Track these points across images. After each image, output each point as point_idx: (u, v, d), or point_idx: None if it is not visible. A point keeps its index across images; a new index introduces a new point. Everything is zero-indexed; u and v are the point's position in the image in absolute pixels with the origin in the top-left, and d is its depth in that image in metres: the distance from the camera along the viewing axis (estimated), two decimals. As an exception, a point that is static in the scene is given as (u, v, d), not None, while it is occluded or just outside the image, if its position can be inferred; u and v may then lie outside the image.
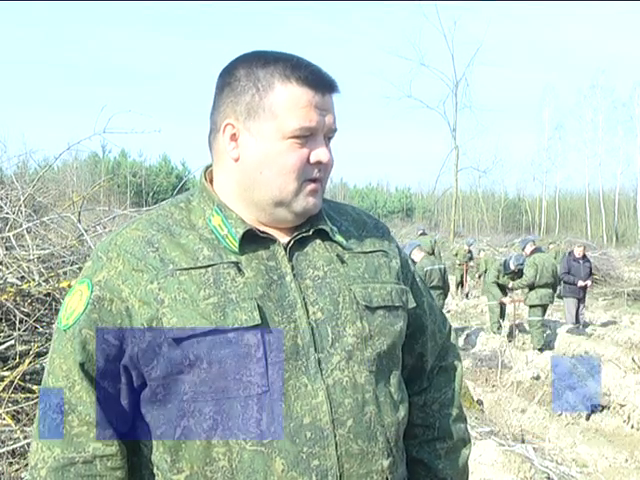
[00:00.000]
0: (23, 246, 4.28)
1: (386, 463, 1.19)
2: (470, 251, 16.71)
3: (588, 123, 45.94)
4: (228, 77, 1.21)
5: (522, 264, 10.51)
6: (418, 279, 1.41)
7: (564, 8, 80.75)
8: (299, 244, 1.23)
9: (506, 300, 10.86)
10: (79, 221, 4.34)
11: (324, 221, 1.26)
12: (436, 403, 1.39)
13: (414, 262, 9.21)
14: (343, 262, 1.24)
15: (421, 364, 1.39)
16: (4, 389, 3.21)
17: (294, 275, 1.19)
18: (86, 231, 4.24)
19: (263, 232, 1.21)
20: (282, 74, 1.17)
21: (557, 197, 49.58)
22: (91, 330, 1.16)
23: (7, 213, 4.44)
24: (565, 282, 11.05)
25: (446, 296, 10.16)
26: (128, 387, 1.18)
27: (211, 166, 1.28)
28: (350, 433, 1.14)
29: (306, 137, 1.18)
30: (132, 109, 4.19)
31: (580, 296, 10.99)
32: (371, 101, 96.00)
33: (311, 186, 1.20)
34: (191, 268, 1.16)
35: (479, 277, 15.74)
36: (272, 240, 1.21)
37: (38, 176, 5.15)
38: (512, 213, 51.17)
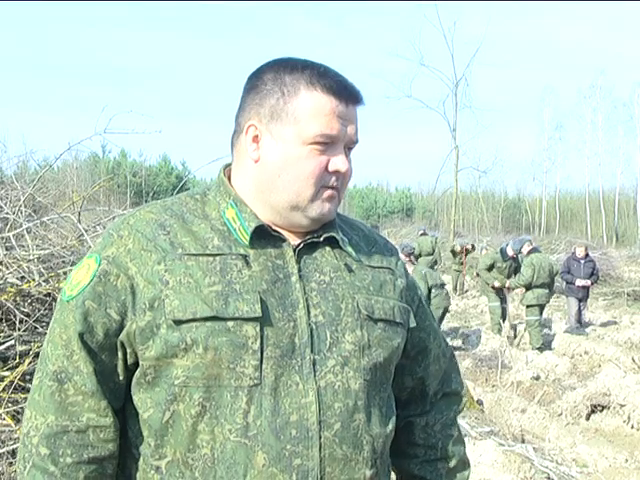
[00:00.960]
0: (23, 246, 4.28)
1: (369, 473, 1.19)
2: (469, 248, 16.61)
3: (588, 123, 45.98)
4: (255, 80, 1.24)
5: (520, 250, 10.55)
6: (424, 302, 1.43)
7: (564, 8, 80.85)
8: (309, 248, 1.24)
9: (496, 283, 10.82)
10: (79, 221, 4.34)
11: (336, 230, 1.27)
12: (438, 424, 1.40)
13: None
14: (350, 271, 1.26)
15: (423, 387, 1.40)
16: (4, 389, 3.21)
17: (300, 276, 1.21)
18: (86, 231, 4.23)
19: (275, 231, 1.23)
20: (308, 81, 1.20)
21: (557, 197, 49.58)
22: (94, 302, 1.17)
23: (7, 213, 4.44)
24: (565, 281, 11.05)
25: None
26: (124, 363, 1.19)
27: (229, 165, 1.30)
28: (336, 437, 1.15)
29: (326, 145, 1.20)
30: (133, 109, 4.19)
31: (580, 296, 10.94)
32: (371, 101, 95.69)
33: (328, 192, 1.22)
34: (199, 254, 1.18)
35: (477, 275, 15.73)
36: (283, 240, 1.23)
37: (38, 176, 5.14)
38: (512, 213, 51.16)
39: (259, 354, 1.14)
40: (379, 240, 1.39)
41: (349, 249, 1.27)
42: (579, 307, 11.00)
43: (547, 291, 10.02)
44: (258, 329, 1.14)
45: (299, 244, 1.23)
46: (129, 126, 4.35)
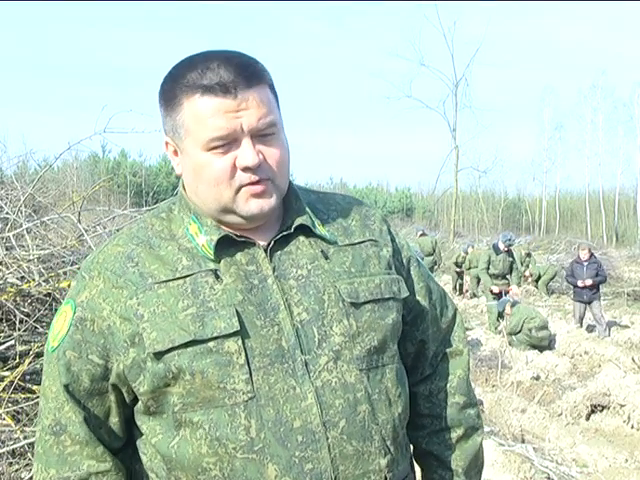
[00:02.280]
0: (23, 246, 4.28)
1: (384, 462, 1.17)
2: (467, 252, 16.66)
3: (588, 123, 45.89)
4: (158, 96, 1.21)
5: (510, 240, 10.95)
6: (415, 264, 1.37)
7: (564, 8, 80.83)
8: (281, 243, 1.20)
9: (495, 289, 10.88)
10: (79, 221, 4.34)
11: (306, 215, 1.23)
12: (442, 392, 1.37)
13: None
14: (327, 258, 1.22)
15: (423, 351, 1.37)
16: (4, 389, 3.21)
17: (276, 276, 1.17)
18: (86, 231, 4.23)
19: (241, 236, 1.19)
20: (186, 87, 1.14)
21: (557, 197, 49.54)
22: (75, 351, 1.17)
23: (7, 213, 4.44)
24: (571, 285, 11.05)
25: None
26: (118, 404, 1.19)
27: None
28: (343, 434, 1.13)
29: (226, 145, 1.14)
30: (133, 109, 4.19)
31: (586, 299, 10.76)
32: (371, 101, 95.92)
33: (250, 190, 1.16)
34: (169, 280, 1.15)
35: (476, 278, 15.78)
36: (251, 243, 1.19)
37: (38, 176, 5.14)
38: (512, 213, 51.13)
39: (247, 367, 1.12)
40: (359, 209, 1.33)
41: (322, 232, 1.23)
42: (584, 312, 10.89)
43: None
44: (240, 343, 1.12)
45: (269, 243, 1.20)
46: (129, 126, 4.35)
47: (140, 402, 1.17)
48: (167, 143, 1.21)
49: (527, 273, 16.19)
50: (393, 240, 1.33)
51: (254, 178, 1.15)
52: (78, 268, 4.04)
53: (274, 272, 1.18)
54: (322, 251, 1.22)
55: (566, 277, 10.88)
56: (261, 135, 1.15)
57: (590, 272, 10.76)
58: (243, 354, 1.12)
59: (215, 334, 1.11)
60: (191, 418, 1.13)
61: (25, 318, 3.63)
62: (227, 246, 1.18)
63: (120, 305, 1.15)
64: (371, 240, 1.28)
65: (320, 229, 1.24)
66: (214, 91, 1.12)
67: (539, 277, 16.32)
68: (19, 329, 3.56)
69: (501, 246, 10.95)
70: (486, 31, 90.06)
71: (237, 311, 1.13)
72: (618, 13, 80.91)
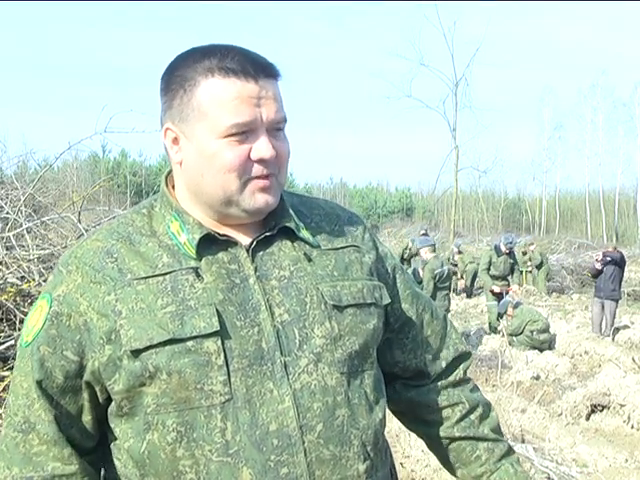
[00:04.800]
0: (23, 246, 4.28)
1: (362, 467, 1.15)
2: (461, 252, 16.69)
3: (588, 123, 45.98)
4: (162, 81, 1.18)
5: (512, 244, 11.06)
6: (399, 272, 1.35)
7: (564, 8, 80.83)
8: (263, 244, 1.18)
9: (496, 289, 10.90)
10: (79, 221, 4.34)
11: (289, 218, 1.21)
12: (450, 385, 1.38)
13: (424, 262, 9.22)
14: (310, 260, 1.20)
15: (417, 358, 1.36)
16: (4, 389, 3.21)
17: (258, 277, 1.15)
18: (86, 231, 4.23)
19: (223, 235, 1.17)
20: (205, 68, 1.11)
21: (557, 197, 49.57)
22: (49, 347, 1.13)
23: (7, 213, 4.44)
24: (594, 278, 11.13)
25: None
26: (91, 403, 1.16)
27: (172, 171, 1.25)
28: (320, 438, 1.11)
29: (245, 133, 1.11)
30: (133, 109, 4.19)
31: (603, 296, 10.84)
32: (371, 101, 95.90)
33: (258, 184, 1.14)
34: (149, 277, 1.12)
35: (461, 277, 15.82)
36: (233, 243, 1.17)
37: (38, 176, 5.14)
38: (512, 213, 51.16)
39: (225, 368, 1.09)
40: (342, 215, 1.31)
41: (305, 235, 1.21)
42: (603, 312, 10.84)
43: None
44: (219, 343, 1.09)
45: (251, 242, 1.18)
46: (129, 126, 4.35)
47: (113, 402, 1.14)
48: (167, 130, 1.17)
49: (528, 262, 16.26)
50: (376, 248, 1.32)
51: (266, 171, 1.14)
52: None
53: (256, 272, 1.15)
54: (305, 254, 1.20)
55: (590, 272, 10.98)
56: (274, 129, 1.14)
57: (611, 271, 10.81)
58: (222, 355, 1.09)
59: (194, 333, 1.09)
60: (164, 420, 1.10)
61: (25, 318, 3.63)
62: (209, 244, 1.16)
63: (98, 301, 1.12)
64: (353, 246, 1.27)
65: (303, 232, 1.22)
66: (237, 74, 1.10)
67: (541, 264, 16.33)
68: (19, 329, 3.56)
69: (502, 248, 11.03)
70: (486, 31, 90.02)
71: (217, 311, 1.11)
72: (618, 13, 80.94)
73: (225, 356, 1.09)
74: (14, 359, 1.17)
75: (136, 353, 1.09)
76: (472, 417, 1.37)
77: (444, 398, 1.37)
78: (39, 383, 1.13)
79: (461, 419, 1.37)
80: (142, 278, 1.12)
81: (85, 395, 1.15)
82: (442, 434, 1.37)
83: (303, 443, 1.09)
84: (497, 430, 1.40)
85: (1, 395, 3.22)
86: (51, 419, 1.13)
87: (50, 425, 1.13)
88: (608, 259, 10.95)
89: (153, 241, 1.17)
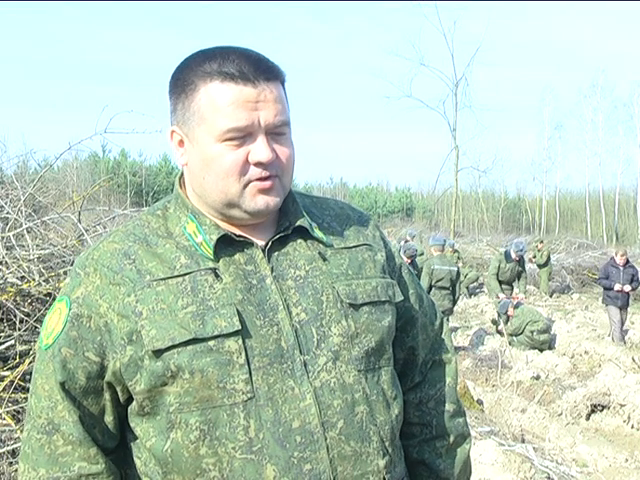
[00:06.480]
0: (23, 246, 4.27)
1: (382, 463, 1.17)
2: (457, 250, 16.66)
3: (588, 123, 45.92)
4: (169, 83, 1.20)
5: (522, 251, 11.06)
6: (406, 271, 1.38)
7: (564, 8, 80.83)
8: (279, 244, 1.20)
9: (502, 296, 10.89)
10: (79, 221, 4.34)
11: (303, 218, 1.23)
12: (432, 400, 1.37)
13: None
14: (325, 260, 1.22)
15: (413, 358, 1.37)
16: (4, 389, 3.22)
17: (274, 277, 1.17)
18: (86, 231, 4.24)
19: (239, 236, 1.19)
20: (205, 73, 1.13)
21: (557, 197, 49.54)
22: (70, 348, 1.15)
23: (7, 213, 4.44)
24: (603, 287, 10.69)
25: (455, 302, 10.13)
26: (113, 403, 1.18)
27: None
28: (341, 435, 1.13)
29: (243, 137, 1.13)
30: (133, 109, 4.19)
31: (620, 304, 10.37)
32: (371, 101, 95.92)
33: (258, 186, 1.15)
34: (168, 278, 1.14)
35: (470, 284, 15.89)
36: (249, 243, 1.19)
37: (38, 176, 5.14)
38: (512, 213, 51.14)
39: (247, 367, 1.11)
40: (352, 215, 1.33)
41: (319, 235, 1.23)
42: (621, 316, 10.41)
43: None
44: (240, 342, 1.11)
45: (267, 243, 1.19)
46: (129, 126, 4.36)
47: (135, 402, 1.16)
48: (173, 132, 1.19)
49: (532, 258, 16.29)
50: (386, 246, 1.34)
51: (265, 174, 1.15)
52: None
53: (272, 272, 1.17)
54: (320, 253, 1.22)
55: (599, 280, 10.71)
56: (274, 133, 1.15)
57: (627, 277, 10.39)
58: (243, 354, 1.11)
59: (216, 333, 1.10)
60: (186, 419, 1.11)
61: (25, 318, 3.63)
62: (225, 245, 1.18)
63: (118, 302, 1.13)
64: (365, 244, 1.29)
65: (317, 232, 1.24)
66: (234, 79, 1.12)
67: (545, 263, 16.32)
68: (19, 329, 3.56)
69: (513, 255, 11.07)
70: (486, 31, 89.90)
71: (237, 310, 1.12)
72: (618, 13, 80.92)
73: (246, 355, 1.12)
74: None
75: (158, 353, 1.11)
76: (437, 445, 1.36)
77: (418, 414, 1.36)
78: (62, 385, 1.15)
79: (424, 441, 1.36)
80: (161, 279, 1.14)
81: (107, 396, 1.17)
82: (402, 448, 1.35)
83: (325, 440, 1.12)
84: (461, 471, 1.37)
85: (1, 395, 3.22)
86: (75, 420, 1.15)
87: (75, 425, 1.15)
88: (631, 275, 10.49)
89: (170, 242, 1.18)
